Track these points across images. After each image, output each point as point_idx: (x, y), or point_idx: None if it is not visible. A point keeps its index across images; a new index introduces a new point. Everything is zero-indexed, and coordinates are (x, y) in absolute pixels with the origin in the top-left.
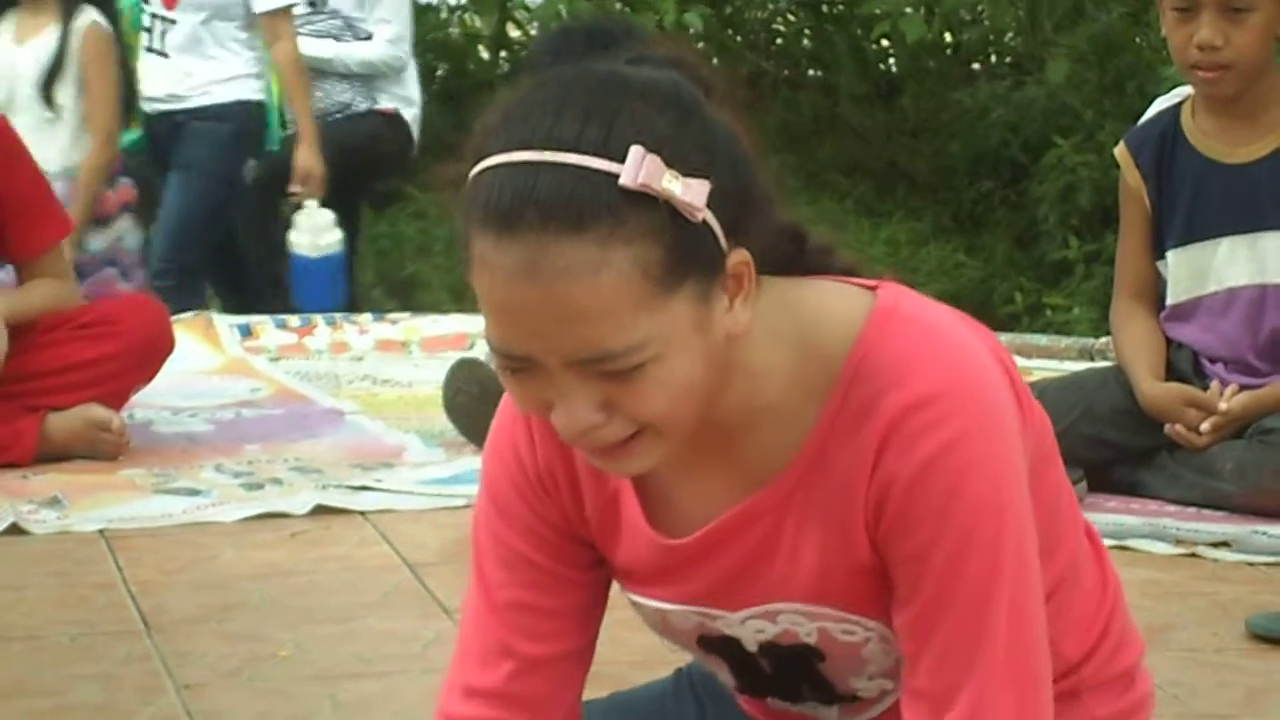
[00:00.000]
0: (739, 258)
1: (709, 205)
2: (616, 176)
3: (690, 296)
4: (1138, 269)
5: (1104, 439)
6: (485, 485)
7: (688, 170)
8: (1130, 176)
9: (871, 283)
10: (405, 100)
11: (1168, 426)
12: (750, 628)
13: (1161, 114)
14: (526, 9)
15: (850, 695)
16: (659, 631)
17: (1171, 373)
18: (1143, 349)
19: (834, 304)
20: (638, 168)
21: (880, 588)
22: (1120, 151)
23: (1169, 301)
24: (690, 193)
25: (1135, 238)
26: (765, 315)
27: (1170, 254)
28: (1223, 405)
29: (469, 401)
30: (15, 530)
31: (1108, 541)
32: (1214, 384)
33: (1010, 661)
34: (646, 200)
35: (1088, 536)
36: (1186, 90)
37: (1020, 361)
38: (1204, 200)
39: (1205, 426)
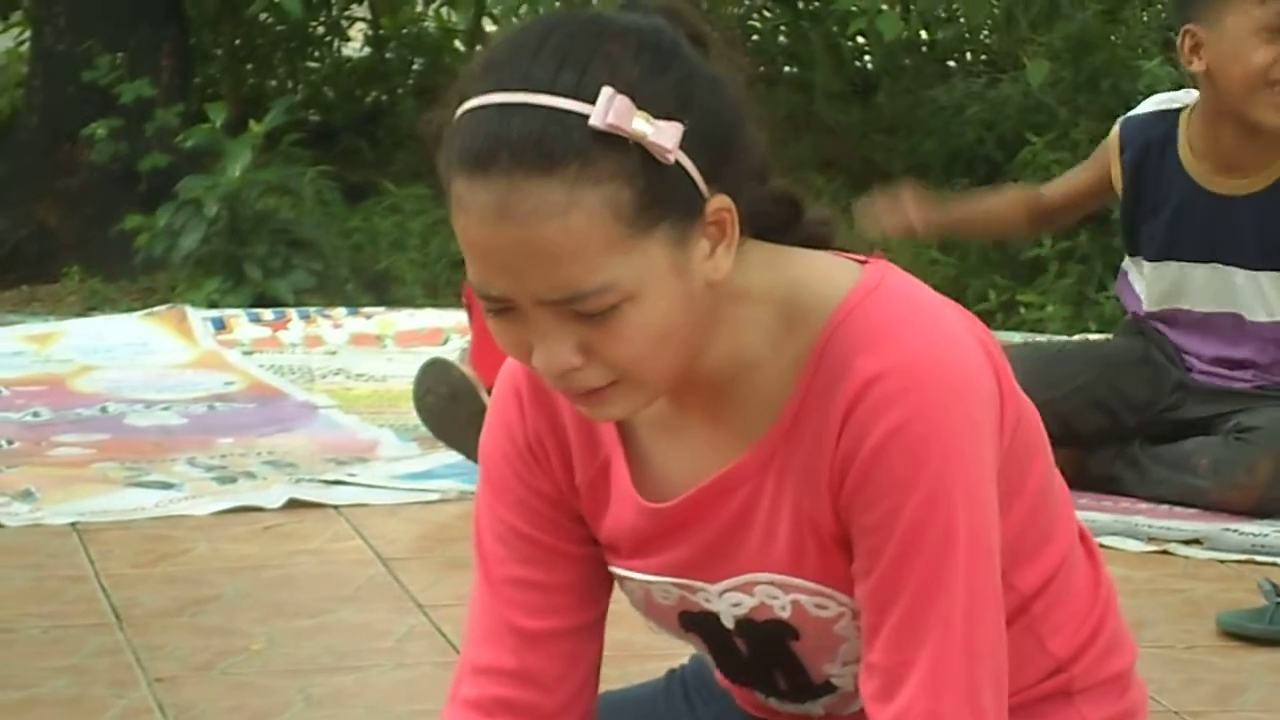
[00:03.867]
0: (720, 203)
1: (684, 149)
2: (587, 118)
3: (666, 240)
4: (1066, 190)
5: (1112, 402)
6: (481, 461)
7: (660, 113)
8: (1114, 165)
9: (863, 257)
10: None
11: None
12: (728, 601)
13: (1163, 116)
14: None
15: (824, 683)
16: (643, 611)
17: (1155, 353)
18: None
19: (822, 270)
20: (607, 108)
21: (850, 560)
22: (1114, 136)
23: (1146, 308)
24: (661, 135)
25: (1087, 183)
26: (755, 272)
27: (1149, 266)
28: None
29: (438, 402)
30: None
31: None
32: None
33: (965, 640)
34: (617, 142)
35: (1081, 538)
36: (1190, 96)
37: None
38: (1187, 223)
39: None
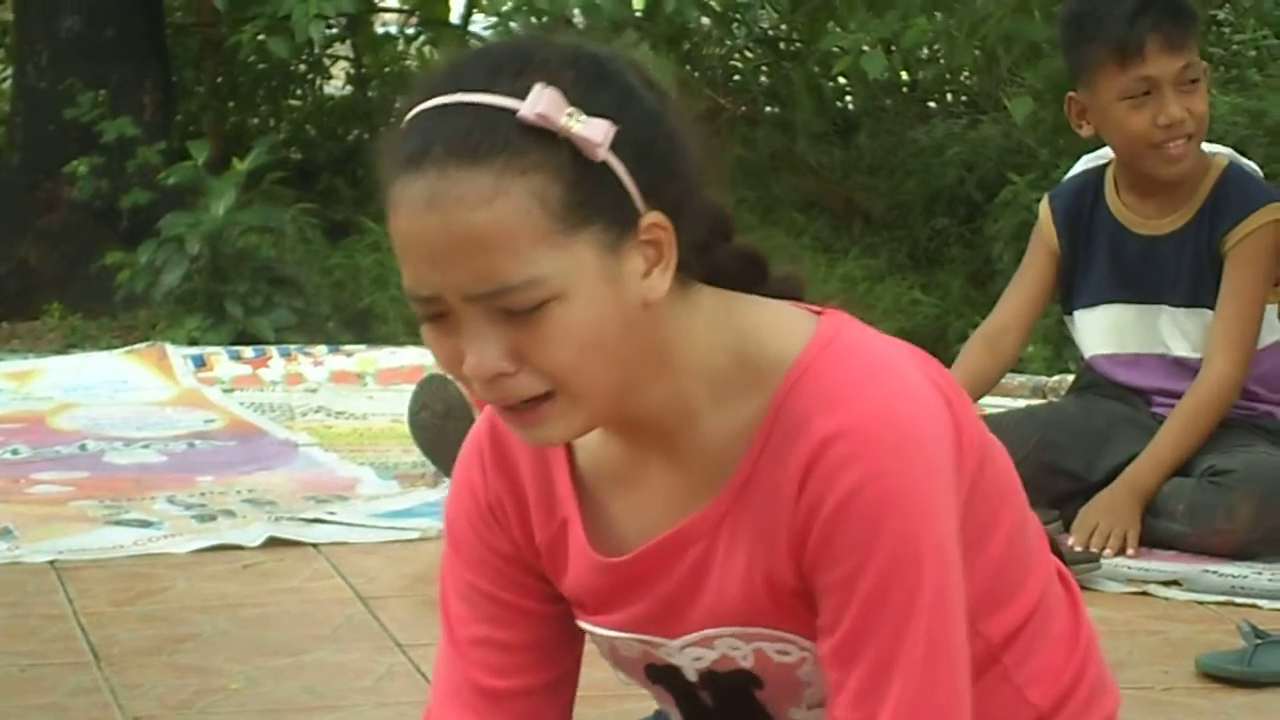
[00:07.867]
0: (655, 219)
1: (616, 153)
2: (517, 112)
3: (596, 243)
4: (1017, 301)
5: (1060, 467)
6: (445, 523)
7: (593, 113)
8: (1046, 229)
9: (818, 308)
10: None
11: None
12: (689, 655)
13: (1086, 174)
14: (484, 41)
15: None
16: (612, 663)
17: (1102, 406)
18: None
19: (776, 322)
20: (536, 100)
21: (810, 608)
22: (1044, 212)
23: (1087, 355)
24: (590, 129)
25: (1033, 273)
26: (709, 319)
27: (1079, 313)
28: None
29: (432, 419)
30: None
31: None
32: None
33: (925, 695)
34: (547, 136)
35: (1061, 581)
36: (1110, 152)
37: None
38: (1117, 265)
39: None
